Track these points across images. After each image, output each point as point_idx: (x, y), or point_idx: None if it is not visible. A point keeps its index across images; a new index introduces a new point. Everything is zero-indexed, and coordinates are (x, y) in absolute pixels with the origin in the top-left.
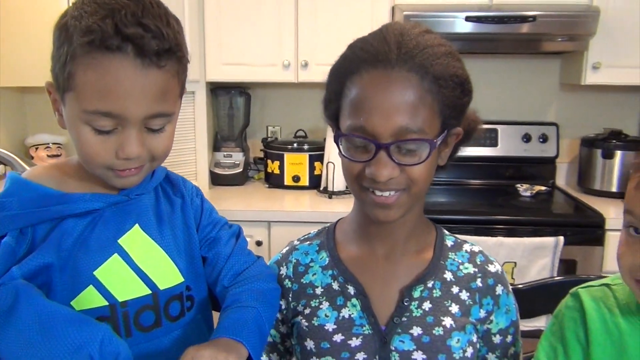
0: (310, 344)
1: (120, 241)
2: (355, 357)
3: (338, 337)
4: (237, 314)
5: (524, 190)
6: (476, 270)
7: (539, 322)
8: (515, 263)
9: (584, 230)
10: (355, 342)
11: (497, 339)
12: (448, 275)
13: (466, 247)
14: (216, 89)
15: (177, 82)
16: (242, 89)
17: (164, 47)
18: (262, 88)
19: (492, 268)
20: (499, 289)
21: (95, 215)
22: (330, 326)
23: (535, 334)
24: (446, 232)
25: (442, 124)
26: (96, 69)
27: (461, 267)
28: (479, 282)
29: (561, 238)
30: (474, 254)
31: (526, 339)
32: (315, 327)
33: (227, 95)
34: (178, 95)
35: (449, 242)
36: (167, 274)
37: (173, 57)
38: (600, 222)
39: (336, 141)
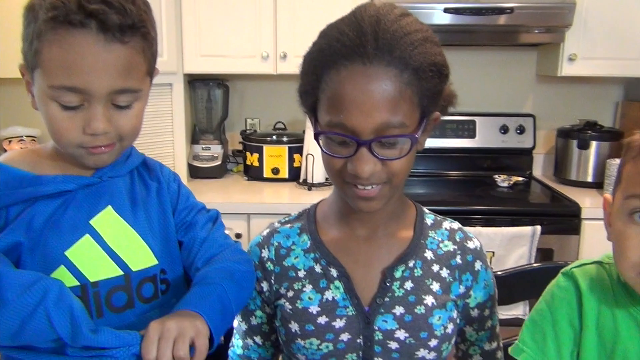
0: (294, 326)
1: (92, 222)
2: (340, 338)
3: (322, 319)
4: (200, 290)
5: (502, 180)
6: (456, 247)
7: (517, 311)
8: (493, 252)
9: (561, 219)
10: (339, 323)
11: (475, 313)
12: (428, 254)
13: (446, 224)
14: (194, 81)
15: (143, 59)
16: (220, 81)
17: (127, 22)
18: (240, 80)
19: (471, 244)
20: (478, 265)
21: (67, 196)
22: (314, 309)
23: (514, 323)
24: (426, 210)
25: (422, 113)
26: (60, 44)
27: (441, 245)
28: (458, 259)
29: (538, 227)
30: (453, 231)
31: (504, 327)
32: (300, 310)
33: (205, 87)
34: (145, 72)
35: (429, 221)
36: (140, 256)
37: (137, 34)
38: (577, 211)
39: (316, 138)
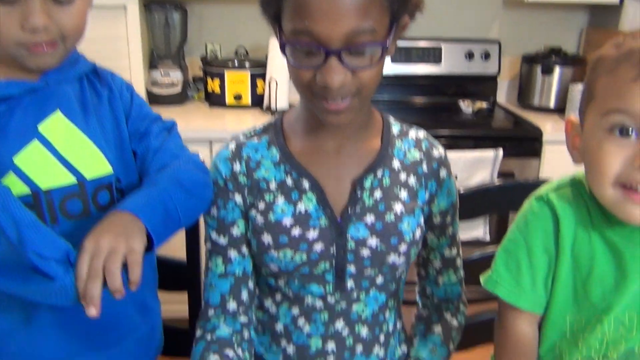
0: (267, 238)
1: (40, 127)
2: (313, 248)
3: (296, 231)
4: (142, 192)
5: (466, 106)
6: (422, 155)
7: (477, 232)
8: (456, 176)
9: (522, 143)
10: (312, 234)
11: (437, 220)
12: (396, 164)
13: (412, 133)
14: (150, 4)
15: None
16: (177, 4)
17: None
18: (199, 3)
19: (436, 153)
20: (443, 173)
21: (12, 102)
22: (287, 221)
23: (474, 244)
24: (392, 119)
25: (391, 18)
26: None
27: (408, 154)
28: (424, 167)
29: (500, 150)
30: (419, 140)
31: (465, 248)
32: (272, 223)
33: (162, 10)
34: None
35: (395, 130)
36: (94, 164)
37: None
38: (538, 135)
39: (282, 49)
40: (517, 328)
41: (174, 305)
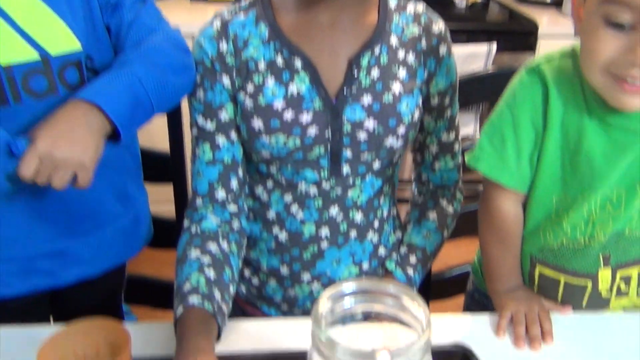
0: (258, 123)
1: None
2: (307, 132)
3: (288, 115)
4: (110, 75)
5: (460, 1)
6: (421, 31)
7: (468, 129)
8: None
9: (517, 37)
10: (306, 117)
11: (434, 101)
12: (394, 40)
13: (410, 7)
14: None
15: None
16: None
17: None
18: None
19: (435, 28)
20: (443, 50)
21: None
22: (279, 104)
23: (463, 140)
24: None
25: None
26: None
27: (406, 29)
28: (423, 44)
29: (494, 44)
30: (418, 14)
31: None
32: (262, 106)
33: None
34: None
35: (392, 3)
36: (59, 38)
37: None
38: (533, 29)
39: None
40: (501, 207)
41: (163, 205)
